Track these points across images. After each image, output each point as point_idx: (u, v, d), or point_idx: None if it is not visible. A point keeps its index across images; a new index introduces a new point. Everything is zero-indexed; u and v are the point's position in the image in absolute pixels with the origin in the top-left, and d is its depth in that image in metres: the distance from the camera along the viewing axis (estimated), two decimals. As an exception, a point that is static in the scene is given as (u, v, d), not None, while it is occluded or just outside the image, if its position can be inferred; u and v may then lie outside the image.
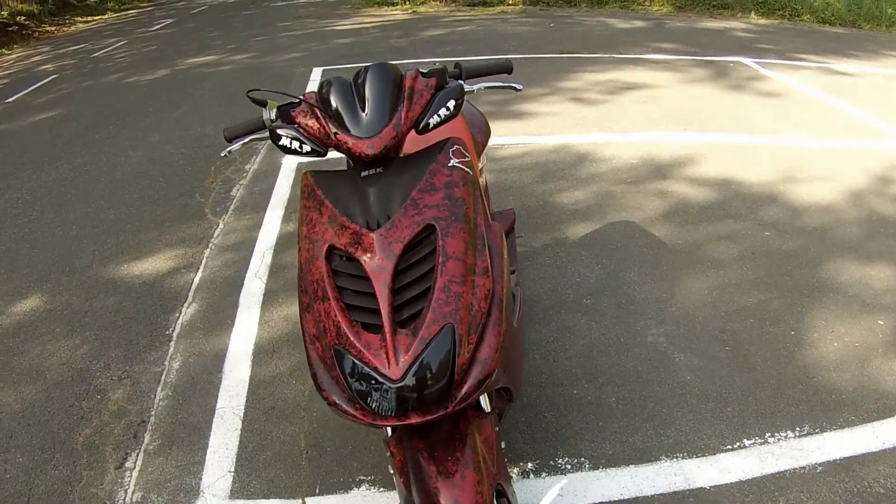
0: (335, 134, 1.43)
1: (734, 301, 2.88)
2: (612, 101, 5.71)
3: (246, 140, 1.65)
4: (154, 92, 7.23)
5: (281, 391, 2.50)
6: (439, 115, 1.51)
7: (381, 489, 2.05)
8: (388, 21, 11.06)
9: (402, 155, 1.56)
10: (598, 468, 2.09)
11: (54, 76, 8.58)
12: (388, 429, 1.43)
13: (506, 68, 1.77)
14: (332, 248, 1.34)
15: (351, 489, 2.06)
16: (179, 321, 2.98)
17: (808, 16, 9.64)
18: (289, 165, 4.62)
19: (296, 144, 1.46)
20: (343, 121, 1.44)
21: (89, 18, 15.09)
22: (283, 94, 1.63)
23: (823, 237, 3.38)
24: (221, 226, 3.84)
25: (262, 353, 2.73)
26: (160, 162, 4.95)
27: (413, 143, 1.73)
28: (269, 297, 3.09)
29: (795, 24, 9.73)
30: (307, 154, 1.47)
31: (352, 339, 1.26)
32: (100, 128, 5.98)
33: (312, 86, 6.83)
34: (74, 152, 5.32)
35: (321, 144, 1.47)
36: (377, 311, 1.27)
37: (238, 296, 3.12)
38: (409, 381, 1.22)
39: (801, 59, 7.19)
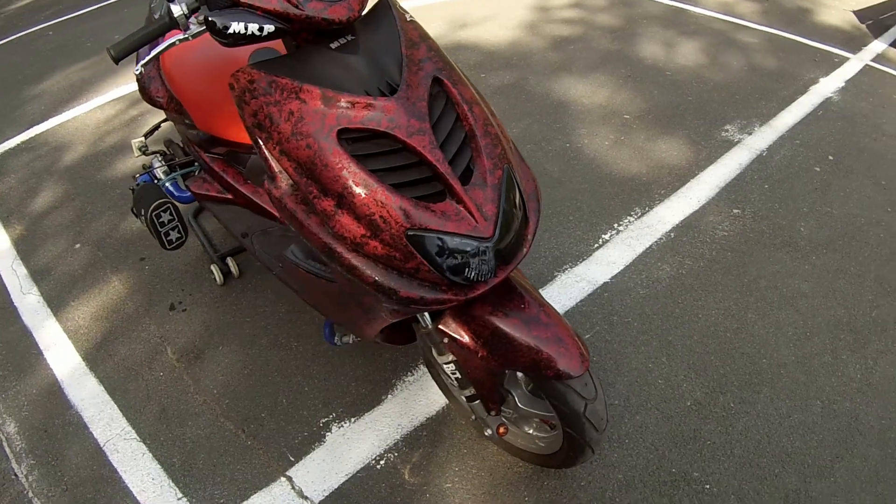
0: (305, 3, 1.10)
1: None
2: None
3: (159, 49, 1.26)
4: None
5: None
6: None
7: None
8: None
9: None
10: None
11: None
12: (427, 316, 1.31)
13: None
14: (341, 132, 1.11)
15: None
16: None
17: None
18: None
19: (253, 27, 1.09)
20: None
21: None
22: None
23: (531, 65, 3.70)
24: None
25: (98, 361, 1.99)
26: None
27: None
28: (57, 304, 2.27)
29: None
30: (266, 38, 1.12)
31: (426, 216, 1.11)
32: None
33: None
34: None
35: (284, 19, 1.11)
36: (427, 180, 1.14)
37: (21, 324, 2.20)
38: (499, 232, 1.16)
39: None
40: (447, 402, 1.82)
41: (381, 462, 1.69)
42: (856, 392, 1.86)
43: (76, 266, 2.39)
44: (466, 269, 1.13)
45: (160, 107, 1.94)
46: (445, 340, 1.32)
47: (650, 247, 2.32)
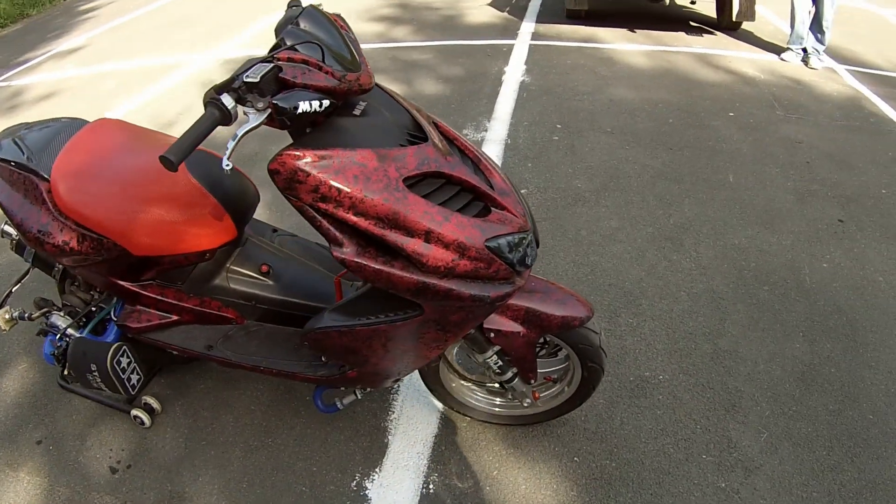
0: (344, 76, 1.26)
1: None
2: None
3: (236, 142, 1.24)
4: None
5: None
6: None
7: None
8: None
9: None
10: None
11: None
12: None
13: None
14: (405, 181, 1.27)
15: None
16: None
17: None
18: None
19: (315, 105, 1.20)
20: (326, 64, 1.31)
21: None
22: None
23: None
24: None
25: None
26: None
27: None
28: None
29: None
30: (321, 112, 1.22)
31: (492, 226, 1.32)
32: None
33: None
34: None
35: (332, 94, 1.25)
36: (471, 200, 1.35)
37: None
38: (531, 222, 1.44)
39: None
40: (441, 414, 1.98)
41: (430, 486, 1.78)
42: (699, 276, 2.54)
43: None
44: (525, 258, 1.37)
45: (62, 255, 1.69)
46: (491, 336, 1.53)
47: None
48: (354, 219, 1.24)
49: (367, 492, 1.79)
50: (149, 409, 2.03)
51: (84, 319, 1.94)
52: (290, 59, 1.24)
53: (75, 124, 1.85)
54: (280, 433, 1.98)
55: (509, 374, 1.66)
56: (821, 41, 4.62)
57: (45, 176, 1.67)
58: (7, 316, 2.01)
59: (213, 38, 5.83)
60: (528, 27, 5.68)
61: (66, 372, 1.94)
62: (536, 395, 1.75)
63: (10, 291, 2.10)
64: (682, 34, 5.53)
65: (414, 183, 1.28)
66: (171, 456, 1.92)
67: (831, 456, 1.85)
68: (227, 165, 1.18)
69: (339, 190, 1.22)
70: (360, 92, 1.28)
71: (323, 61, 1.26)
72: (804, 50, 4.73)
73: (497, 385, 1.81)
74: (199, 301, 1.82)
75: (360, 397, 1.81)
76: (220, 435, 1.99)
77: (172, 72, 5.00)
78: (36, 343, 2.33)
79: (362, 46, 5.01)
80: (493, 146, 3.49)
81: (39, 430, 2.03)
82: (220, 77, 4.74)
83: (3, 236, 2.00)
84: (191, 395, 2.10)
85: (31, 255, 1.98)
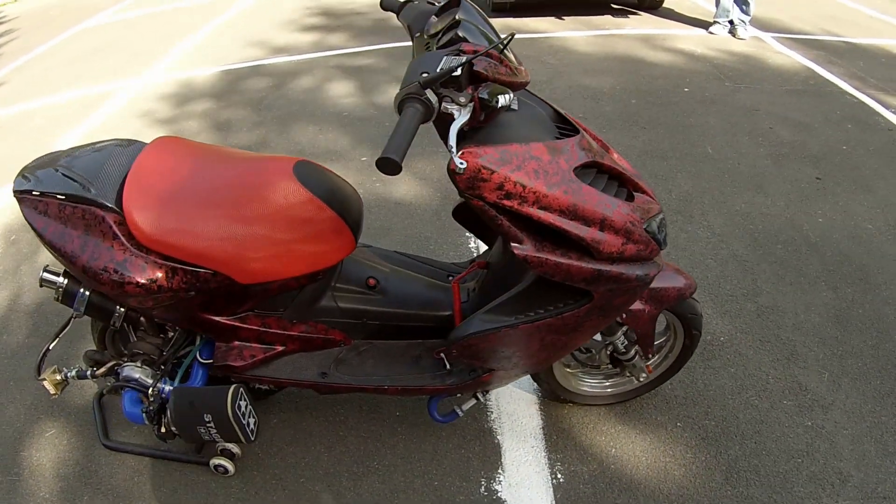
0: (517, 68, 1.28)
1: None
2: None
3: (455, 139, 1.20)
4: None
5: None
6: None
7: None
8: None
9: None
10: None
11: None
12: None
13: None
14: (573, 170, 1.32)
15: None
16: None
17: None
18: None
19: (509, 98, 1.19)
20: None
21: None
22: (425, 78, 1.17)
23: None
24: None
25: None
26: None
27: None
28: None
29: None
30: (506, 106, 1.21)
31: (644, 210, 1.41)
32: None
33: None
34: None
35: (512, 87, 1.25)
36: (616, 184, 1.44)
37: None
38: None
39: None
40: (538, 406, 2.08)
41: (558, 476, 1.88)
42: (718, 242, 2.78)
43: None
44: (665, 237, 1.47)
45: (147, 295, 1.50)
46: (624, 315, 1.65)
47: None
48: (539, 213, 1.26)
49: (498, 494, 1.84)
50: (228, 455, 1.88)
51: (163, 366, 1.76)
52: (475, 52, 1.22)
53: (127, 145, 1.67)
54: (383, 455, 1.96)
55: (632, 352, 1.80)
56: (746, 12, 5.04)
57: (111, 206, 1.49)
58: (59, 377, 1.78)
59: (135, 65, 5.55)
60: (463, 24, 5.80)
61: (163, 429, 1.73)
62: (650, 368, 1.89)
63: (48, 349, 1.82)
64: (608, 17, 5.85)
65: (577, 174, 1.32)
66: (273, 502, 1.86)
67: (885, 384, 2.11)
68: (462, 164, 1.17)
69: (522, 186, 1.24)
70: (525, 85, 1.31)
71: (502, 54, 1.26)
72: (731, 22, 5.14)
73: (609, 366, 1.93)
74: (305, 326, 1.72)
75: (482, 400, 1.86)
76: (316, 468, 1.93)
77: (104, 102, 4.74)
78: (48, 403, 2.19)
79: (300, 57, 5.03)
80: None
81: (98, 501, 1.87)
82: (160, 103, 4.57)
83: (42, 286, 1.66)
84: (266, 432, 2.04)
85: (83, 304, 1.66)
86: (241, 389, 1.64)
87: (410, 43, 1.63)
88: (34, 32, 7.04)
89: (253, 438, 1.69)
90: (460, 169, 1.17)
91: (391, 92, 4.38)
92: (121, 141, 1.70)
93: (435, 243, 2.85)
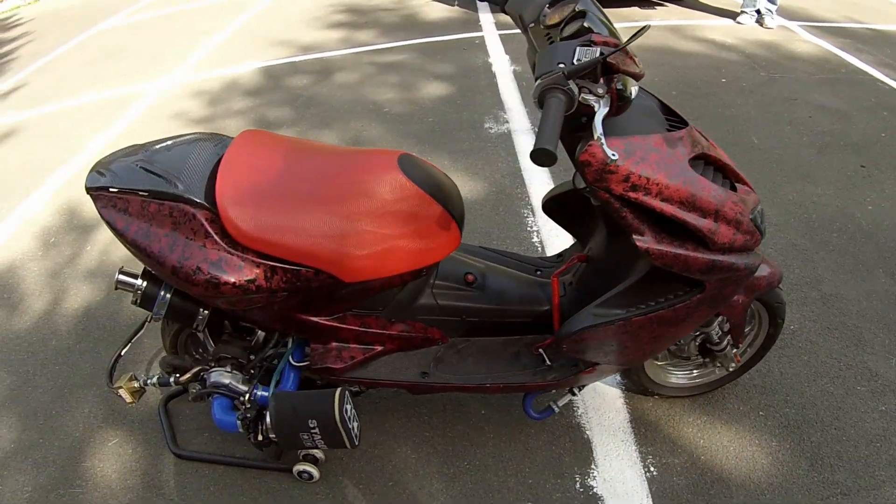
0: (636, 60, 1.32)
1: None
2: None
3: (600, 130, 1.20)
4: None
5: None
6: None
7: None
8: None
9: None
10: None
11: None
12: None
13: None
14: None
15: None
16: None
17: None
18: None
19: (637, 90, 1.26)
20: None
21: None
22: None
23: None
24: None
25: None
26: None
27: None
28: None
29: None
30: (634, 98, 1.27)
31: (748, 200, 1.44)
32: None
33: None
34: None
35: (636, 78, 1.29)
36: (721, 175, 1.46)
37: None
38: None
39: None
40: (623, 399, 2.15)
41: (651, 469, 1.94)
42: (777, 232, 2.84)
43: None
44: (764, 226, 1.51)
45: (244, 295, 1.44)
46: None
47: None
48: (661, 205, 1.28)
49: (594, 490, 1.88)
50: (312, 461, 1.81)
51: (253, 370, 1.73)
52: (605, 44, 1.23)
53: (211, 139, 1.61)
54: (473, 454, 1.97)
55: (725, 342, 1.86)
56: (773, 1, 5.08)
57: (201, 202, 1.42)
58: (136, 384, 1.76)
59: (159, 65, 5.56)
60: (487, 18, 5.83)
61: (259, 437, 1.68)
62: (738, 357, 1.97)
63: (120, 354, 1.80)
64: (635, 9, 5.87)
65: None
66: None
67: (952, 368, 2.20)
68: (614, 156, 1.16)
69: (647, 178, 1.26)
70: (642, 77, 1.31)
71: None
72: (758, 11, 5.18)
73: (698, 357, 2.00)
74: (404, 325, 1.70)
75: (577, 395, 1.93)
76: (404, 471, 1.92)
77: (132, 102, 4.76)
78: (107, 411, 2.17)
79: (330, 54, 5.04)
80: (523, 136, 3.66)
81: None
82: (192, 102, 4.61)
83: (118, 288, 1.58)
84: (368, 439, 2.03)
85: (164, 306, 1.61)
86: (347, 392, 1.60)
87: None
88: (51, 34, 7.05)
89: (357, 443, 1.63)
90: (612, 160, 1.16)
91: (429, 88, 4.43)
92: (203, 134, 1.64)
93: (497, 238, 2.92)
